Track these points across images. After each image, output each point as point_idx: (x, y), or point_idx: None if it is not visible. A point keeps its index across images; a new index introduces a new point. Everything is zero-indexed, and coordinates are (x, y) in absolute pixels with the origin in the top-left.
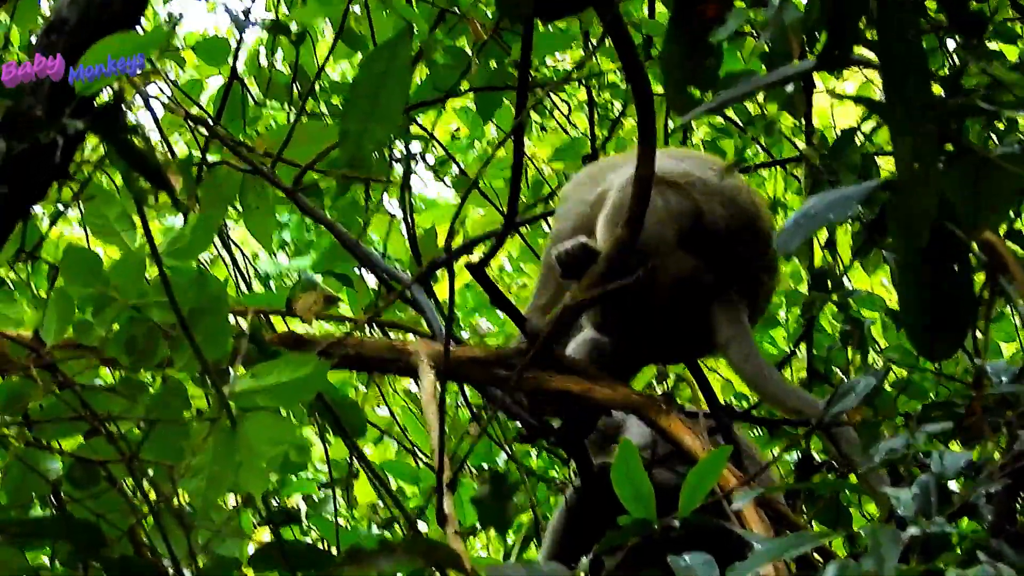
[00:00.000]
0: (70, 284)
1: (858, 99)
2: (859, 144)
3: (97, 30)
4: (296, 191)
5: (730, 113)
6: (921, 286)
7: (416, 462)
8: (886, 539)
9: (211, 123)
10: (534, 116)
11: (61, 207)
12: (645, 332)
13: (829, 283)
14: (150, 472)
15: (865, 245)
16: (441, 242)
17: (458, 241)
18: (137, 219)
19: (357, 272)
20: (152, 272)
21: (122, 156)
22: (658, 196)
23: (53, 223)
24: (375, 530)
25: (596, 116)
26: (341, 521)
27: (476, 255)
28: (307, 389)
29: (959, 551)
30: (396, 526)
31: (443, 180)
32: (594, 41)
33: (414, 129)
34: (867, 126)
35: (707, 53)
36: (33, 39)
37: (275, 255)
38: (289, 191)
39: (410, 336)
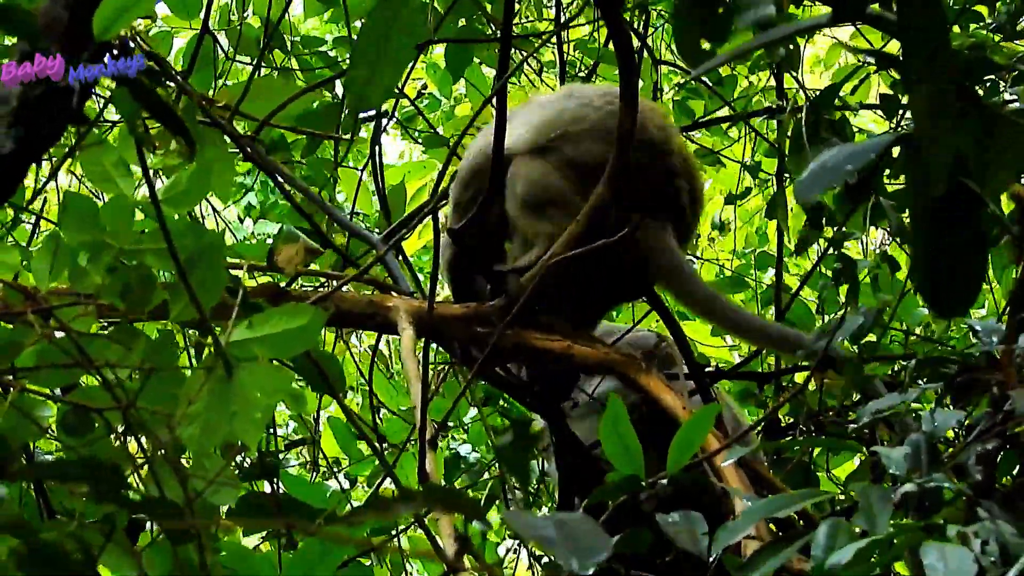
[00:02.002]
0: (66, 230)
1: (870, 52)
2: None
3: None
4: (253, 143)
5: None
6: (934, 241)
7: (377, 419)
8: (876, 497)
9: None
10: None
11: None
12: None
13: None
14: (145, 420)
15: (846, 204)
16: (416, 201)
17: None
18: (135, 167)
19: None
20: (148, 224)
21: (138, 100)
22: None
23: (57, 168)
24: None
25: (565, 73)
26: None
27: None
28: (304, 339)
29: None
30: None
31: (412, 137)
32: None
33: None
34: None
35: (719, 3)
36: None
37: (242, 221)
38: (242, 143)
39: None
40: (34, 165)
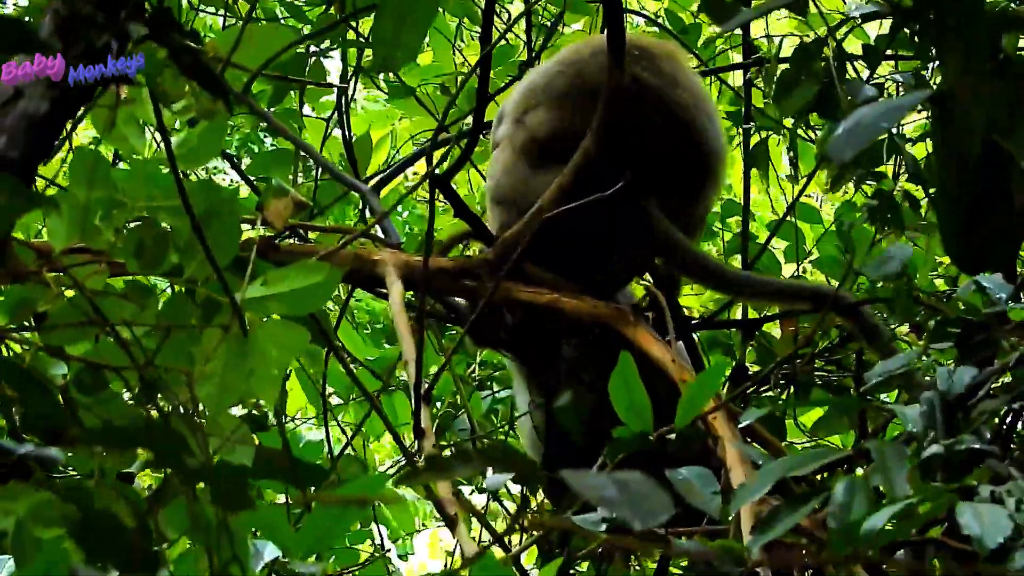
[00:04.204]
0: (78, 187)
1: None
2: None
3: None
4: (246, 94)
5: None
6: (963, 201)
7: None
8: (891, 455)
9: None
10: (468, 24)
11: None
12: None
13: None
14: (161, 379)
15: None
16: (381, 151)
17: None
18: (151, 123)
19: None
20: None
21: (175, 59)
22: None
23: (75, 126)
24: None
25: (533, 23)
26: None
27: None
28: (319, 296)
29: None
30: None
31: (377, 86)
32: None
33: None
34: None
35: None
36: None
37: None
38: (242, 97)
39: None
40: None
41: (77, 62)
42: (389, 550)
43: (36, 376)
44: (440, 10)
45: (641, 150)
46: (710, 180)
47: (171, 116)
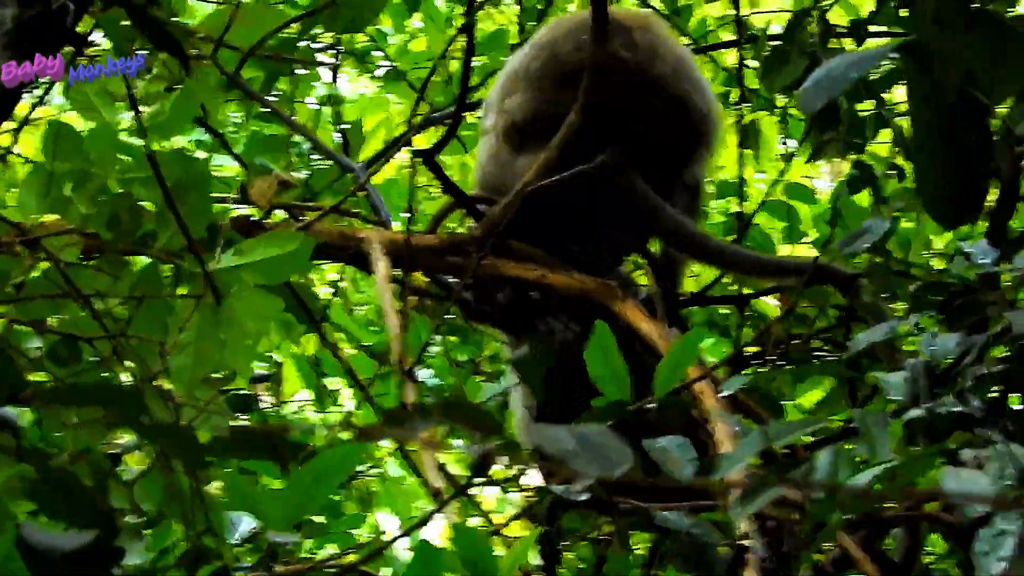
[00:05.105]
0: (50, 159)
1: None
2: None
3: None
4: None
5: (657, 4)
6: (940, 152)
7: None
8: (875, 423)
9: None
10: (458, 8)
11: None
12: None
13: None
14: (134, 349)
15: (811, 130)
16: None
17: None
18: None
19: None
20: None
21: (138, 25)
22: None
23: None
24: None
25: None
26: None
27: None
28: (293, 265)
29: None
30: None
31: (369, 72)
32: None
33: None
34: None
35: None
36: None
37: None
38: (234, 78)
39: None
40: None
41: (35, 23)
42: (393, 538)
43: None
44: None
45: (624, 125)
46: (698, 144)
47: (144, 85)
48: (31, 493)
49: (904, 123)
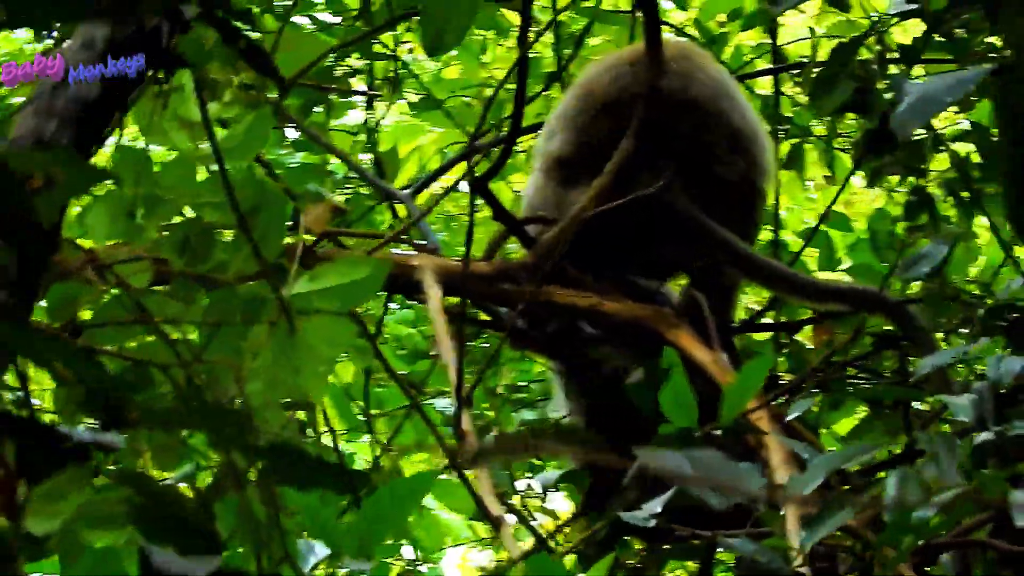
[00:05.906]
0: (121, 184)
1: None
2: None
3: None
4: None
5: (693, 31)
6: None
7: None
8: (943, 446)
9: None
10: (490, 36)
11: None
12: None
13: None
14: (207, 376)
15: (866, 154)
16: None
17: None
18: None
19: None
20: (203, 174)
21: (229, 44)
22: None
23: (120, 120)
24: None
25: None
26: None
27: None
28: (366, 291)
29: None
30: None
31: (404, 99)
32: None
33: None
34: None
35: None
36: None
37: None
38: (278, 105)
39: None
40: None
41: (128, 44)
42: (420, 565)
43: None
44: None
45: (670, 151)
46: (741, 160)
47: (218, 109)
48: (136, 517)
49: (959, 147)
